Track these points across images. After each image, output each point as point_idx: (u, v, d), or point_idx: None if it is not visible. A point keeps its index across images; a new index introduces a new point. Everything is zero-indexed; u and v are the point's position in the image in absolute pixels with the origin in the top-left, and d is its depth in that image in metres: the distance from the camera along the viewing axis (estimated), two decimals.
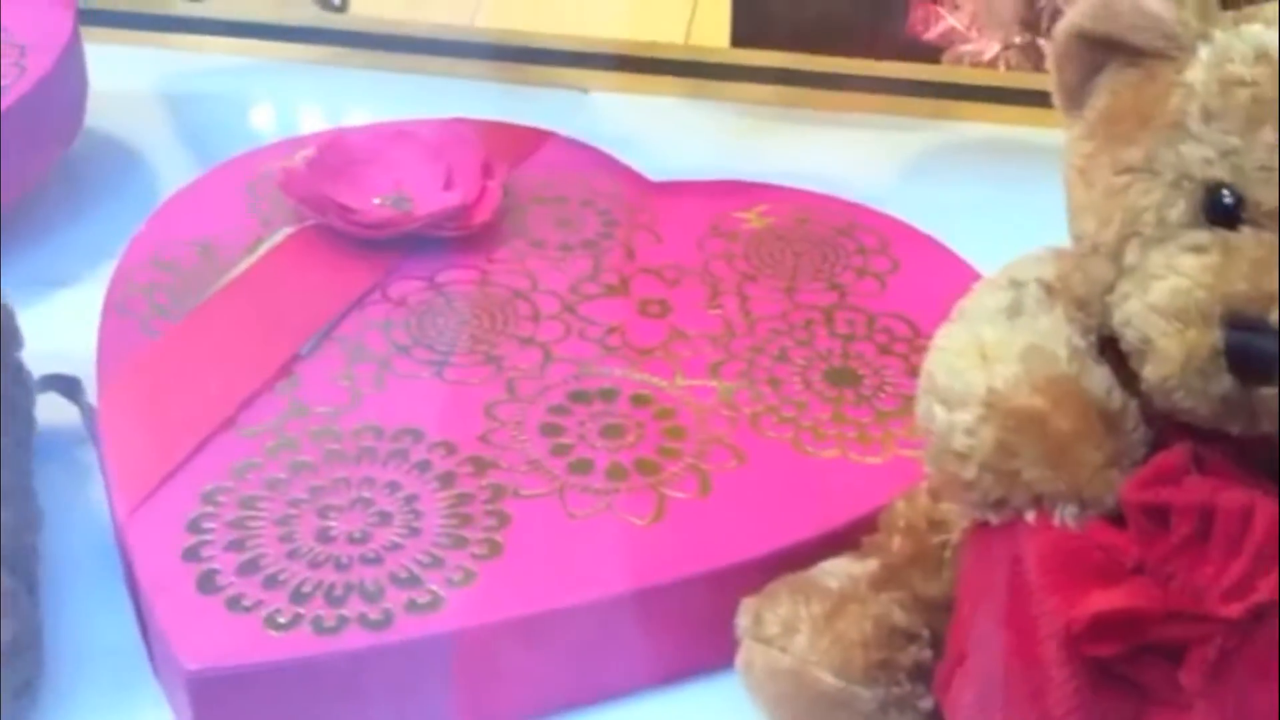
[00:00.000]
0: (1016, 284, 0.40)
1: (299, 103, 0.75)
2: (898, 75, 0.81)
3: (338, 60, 0.79)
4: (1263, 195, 0.35)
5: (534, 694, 0.44)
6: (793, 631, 0.40)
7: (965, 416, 0.37)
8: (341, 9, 2.02)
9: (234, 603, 0.42)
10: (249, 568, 0.43)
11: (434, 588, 0.42)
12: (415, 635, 0.41)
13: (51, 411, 0.52)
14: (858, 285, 0.54)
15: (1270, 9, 0.37)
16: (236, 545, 0.43)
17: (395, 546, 0.44)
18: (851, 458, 0.47)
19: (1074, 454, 0.36)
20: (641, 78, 0.80)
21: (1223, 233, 0.35)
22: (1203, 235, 0.36)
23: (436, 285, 0.54)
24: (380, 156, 0.58)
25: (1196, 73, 0.36)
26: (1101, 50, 0.38)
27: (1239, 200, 0.35)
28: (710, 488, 0.46)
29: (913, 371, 0.51)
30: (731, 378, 0.50)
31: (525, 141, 0.61)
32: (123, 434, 0.47)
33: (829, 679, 0.40)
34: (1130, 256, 0.37)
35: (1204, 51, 0.36)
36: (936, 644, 0.41)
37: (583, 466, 0.47)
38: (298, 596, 0.42)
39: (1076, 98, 0.39)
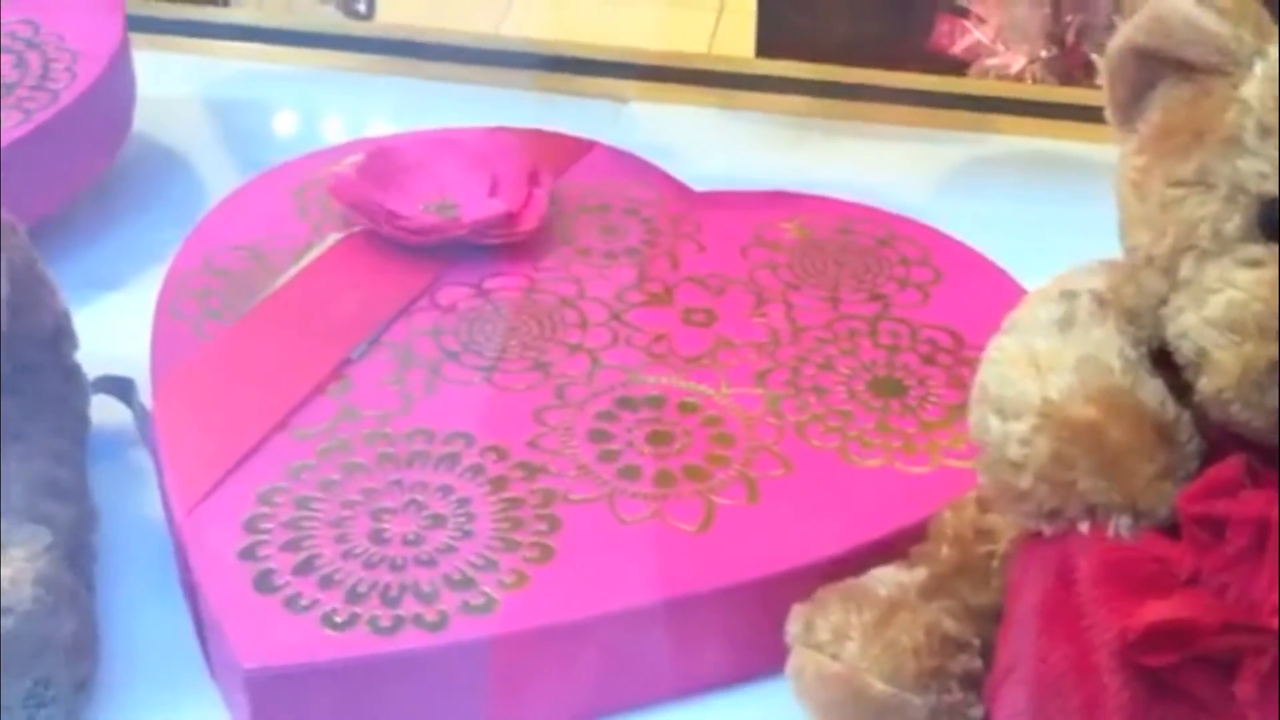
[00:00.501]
0: (1068, 296, 0.40)
1: (341, 110, 0.76)
2: (931, 88, 0.82)
3: (379, 68, 0.80)
4: None
5: (583, 697, 0.44)
6: (844, 638, 0.41)
7: (1020, 427, 0.37)
8: (368, 16, 2.03)
9: (291, 602, 0.42)
10: (305, 567, 0.43)
11: (488, 590, 0.43)
12: (470, 636, 0.42)
13: (103, 412, 0.53)
14: (900, 296, 0.55)
15: None
16: (293, 545, 0.44)
17: (449, 549, 0.44)
18: (897, 467, 0.48)
19: (1128, 465, 0.37)
20: (674, 88, 0.81)
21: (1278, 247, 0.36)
22: (1258, 249, 0.36)
23: (484, 292, 0.54)
24: (427, 164, 0.59)
25: (1252, 88, 0.37)
26: (1155, 65, 0.39)
27: None
28: (758, 495, 0.47)
29: (957, 382, 0.52)
30: (777, 386, 0.51)
31: (569, 150, 0.62)
32: (178, 435, 0.47)
33: (880, 685, 0.40)
34: (1185, 270, 0.37)
35: (1260, 67, 0.37)
36: (985, 653, 0.42)
37: (631, 472, 0.47)
38: (354, 596, 0.42)
39: (1129, 112, 0.40)
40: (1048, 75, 1.22)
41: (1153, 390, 0.38)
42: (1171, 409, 0.38)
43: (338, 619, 0.42)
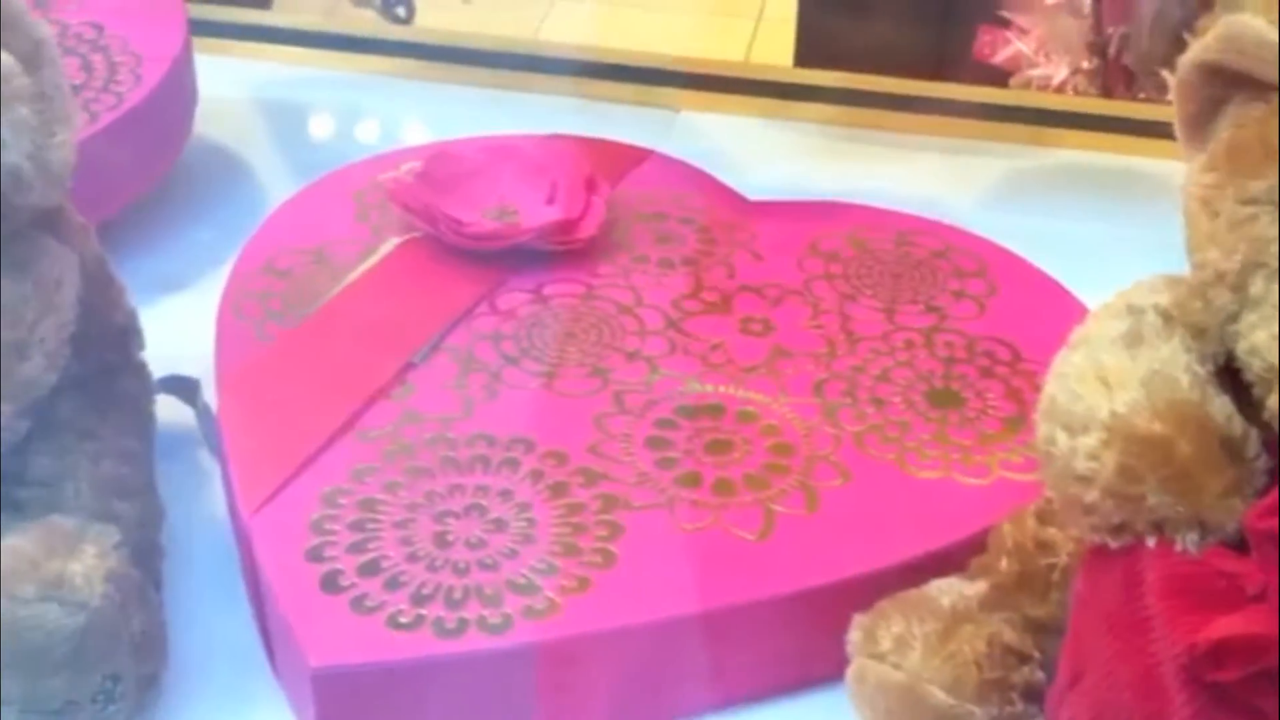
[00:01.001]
0: (1135, 311, 0.40)
1: (393, 115, 0.76)
2: (981, 99, 0.82)
3: (429, 74, 0.81)
4: None
5: (642, 702, 0.44)
6: (906, 648, 0.41)
7: (1088, 441, 0.38)
8: (407, 20, 2.04)
9: (357, 603, 0.43)
10: (370, 569, 0.44)
11: (550, 594, 0.43)
12: (533, 640, 0.42)
13: (164, 411, 0.54)
14: (956, 308, 0.55)
15: None
16: (358, 547, 0.44)
17: (511, 553, 0.45)
18: (956, 479, 0.48)
19: (1196, 480, 0.37)
20: (723, 97, 0.82)
21: None
22: None
23: (543, 298, 0.55)
24: (486, 170, 0.59)
25: None
26: (1225, 83, 0.39)
27: None
28: (817, 505, 0.47)
29: (1014, 395, 0.52)
30: (834, 396, 0.51)
31: (625, 158, 0.62)
32: (243, 435, 0.48)
33: (942, 696, 0.40)
34: (1256, 287, 0.37)
35: None
36: (1046, 665, 0.42)
37: (691, 480, 0.47)
38: (418, 598, 0.43)
39: (1198, 129, 0.40)
40: (1090, 87, 1.22)
41: (1220, 406, 0.38)
42: (1239, 425, 0.38)
43: (403, 620, 0.42)
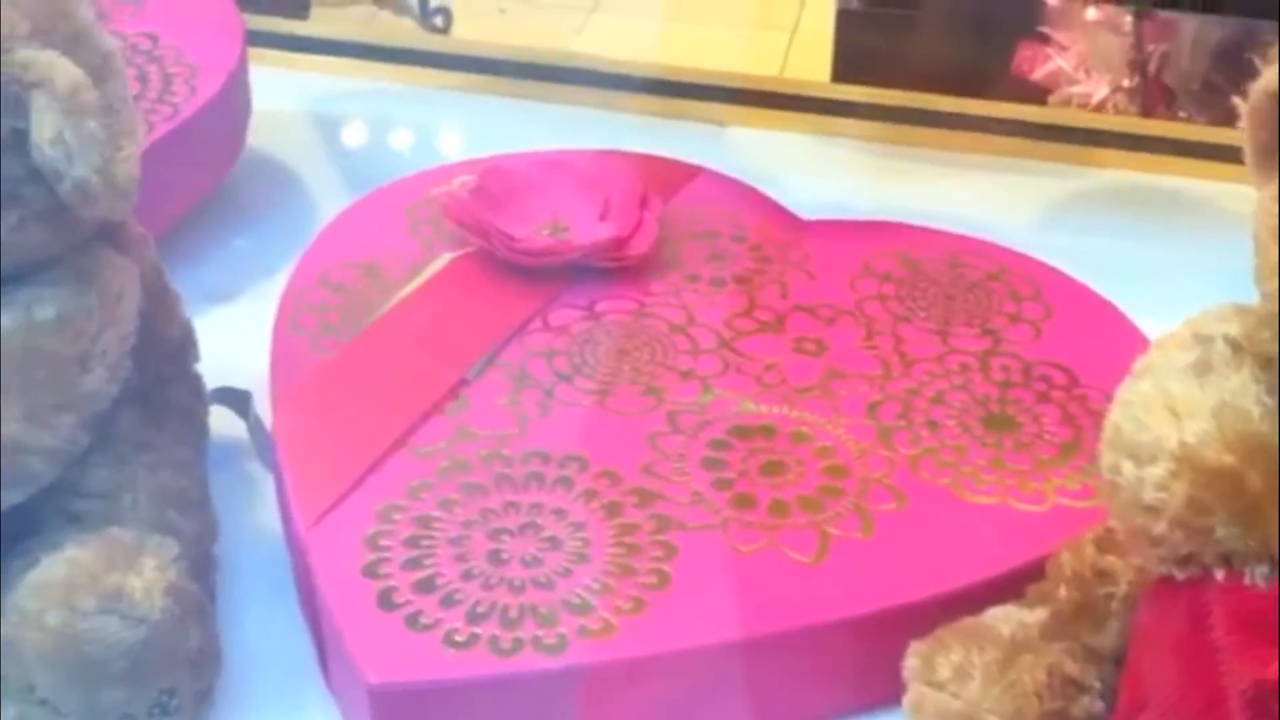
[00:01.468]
0: (1202, 340, 0.40)
1: (441, 128, 0.76)
2: (1030, 118, 0.81)
3: (471, 86, 0.81)
4: None
5: None
6: (965, 678, 0.41)
7: (1156, 471, 0.37)
8: (445, 30, 2.04)
9: (413, 620, 0.43)
10: (426, 586, 0.44)
11: (606, 615, 0.43)
12: (589, 661, 0.42)
13: (215, 422, 0.54)
14: (1011, 331, 0.55)
15: None
16: (414, 563, 0.44)
17: (566, 572, 0.44)
18: (1012, 505, 0.48)
19: (1267, 513, 0.36)
20: (768, 112, 0.81)
21: None
22: None
23: (595, 315, 0.55)
24: (538, 185, 0.59)
25: None
26: None
27: None
28: (872, 529, 0.47)
29: (1070, 420, 0.52)
30: (889, 419, 0.51)
31: (676, 175, 0.62)
32: (299, 450, 0.48)
33: None
34: None
35: None
36: (1106, 695, 0.41)
37: (745, 501, 0.47)
38: (474, 616, 0.43)
39: (1269, 157, 0.39)
40: (1130, 105, 1.21)
41: None
42: None
43: (459, 638, 0.42)
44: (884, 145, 0.76)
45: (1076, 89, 1.27)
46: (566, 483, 0.47)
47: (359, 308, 0.54)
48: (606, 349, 0.53)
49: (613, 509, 0.47)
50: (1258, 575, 0.37)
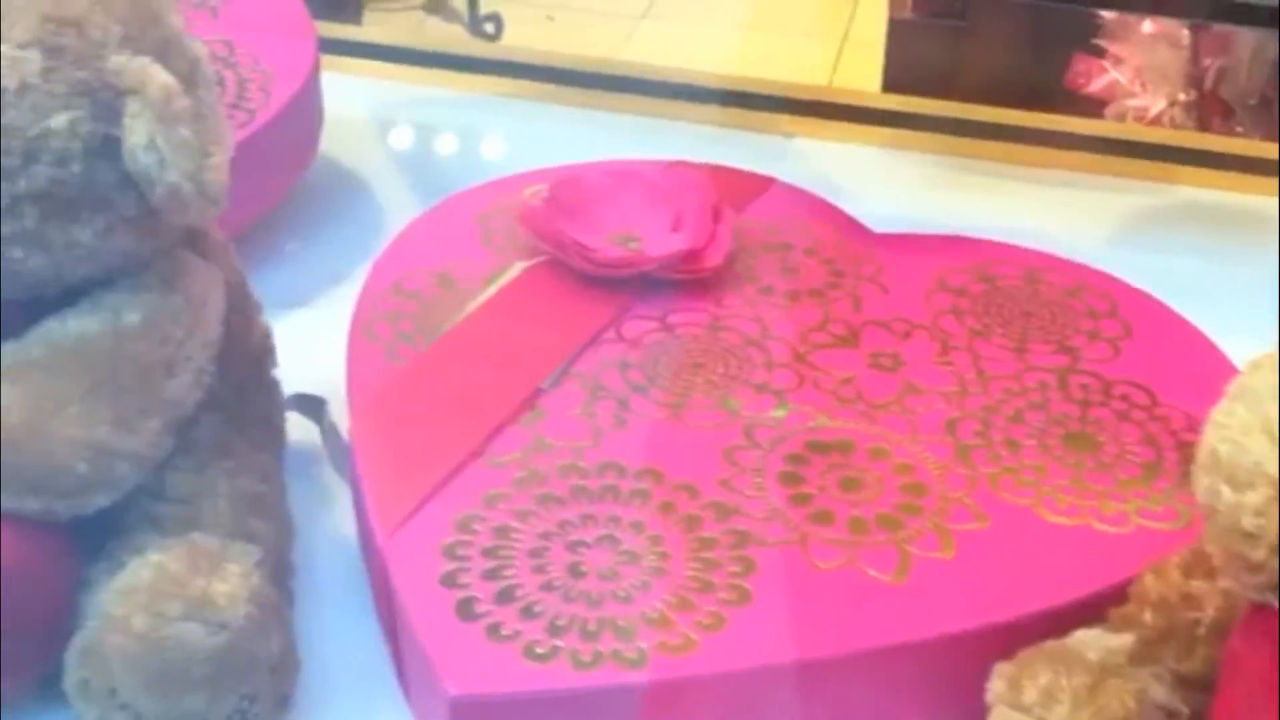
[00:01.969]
0: None
1: (505, 136, 0.77)
2: (1096, 133, 0.81)
3: (527, 93, 0.81)
4: None
5: None
6: (1053, 701, 0.40)
7: (1255, 498, 0.37)
8: (495, 36, 2.05)
9: (493, 631, 0.42)
10: (505, 596, 0.44)
11: (686, 630, 0.43)
12: (669, 676, 0.42)
13: (288, 428, 0.54)
14: (1090, 349, 0.54)
15: None
16: (492, 574, 0.44)
17: (645, 586, 0.44)
18: (1094, 526, 0.47)
19: None
20: (833, 123, 0.81)
21: None
22: None
23: (668, 327, 0.55)
24: (611, 196, 0.59)
25: None
26: None
27: None
28: (954, 548, 0.46)
29: (1151, 441, 0.51)
30: (967, 436, 0.50)
31: (748, 186, 0.62)
32: (377, 458, 0.48)
33: None
34: None
35: None
36: None
37: (824, 518, 0.47)
38: (554, 629, 0.43)
39: None
40: (1186, 119, 1.20)
41: None
42: None
43: (539, 650, 0.42)
44: (950, 158, 0.75)
45: (1133, 102, 1.25)
46: (643, 496, 0.47)
47: (433, 316, 0.54)
48: (680, 361, 0.53)
49: (690, 523, 0.46)
50: None
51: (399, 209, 0.69)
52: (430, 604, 0.43)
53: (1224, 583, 0.41)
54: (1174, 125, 1.23)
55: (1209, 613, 0.42)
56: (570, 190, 0.59)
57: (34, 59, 0.40)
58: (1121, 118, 1.26)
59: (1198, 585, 0.43)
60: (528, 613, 0.43)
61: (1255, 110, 1.19)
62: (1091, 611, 0.45)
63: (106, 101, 0.41)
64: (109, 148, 0.41)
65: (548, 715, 0.42)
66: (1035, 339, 0.54)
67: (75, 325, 0.41)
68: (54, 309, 0.42)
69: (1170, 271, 0.62)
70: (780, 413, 0.51)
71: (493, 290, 0.55)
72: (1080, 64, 1.25)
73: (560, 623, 0.43)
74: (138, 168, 0.40)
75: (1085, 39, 1.21)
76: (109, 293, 0.42)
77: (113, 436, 0.41)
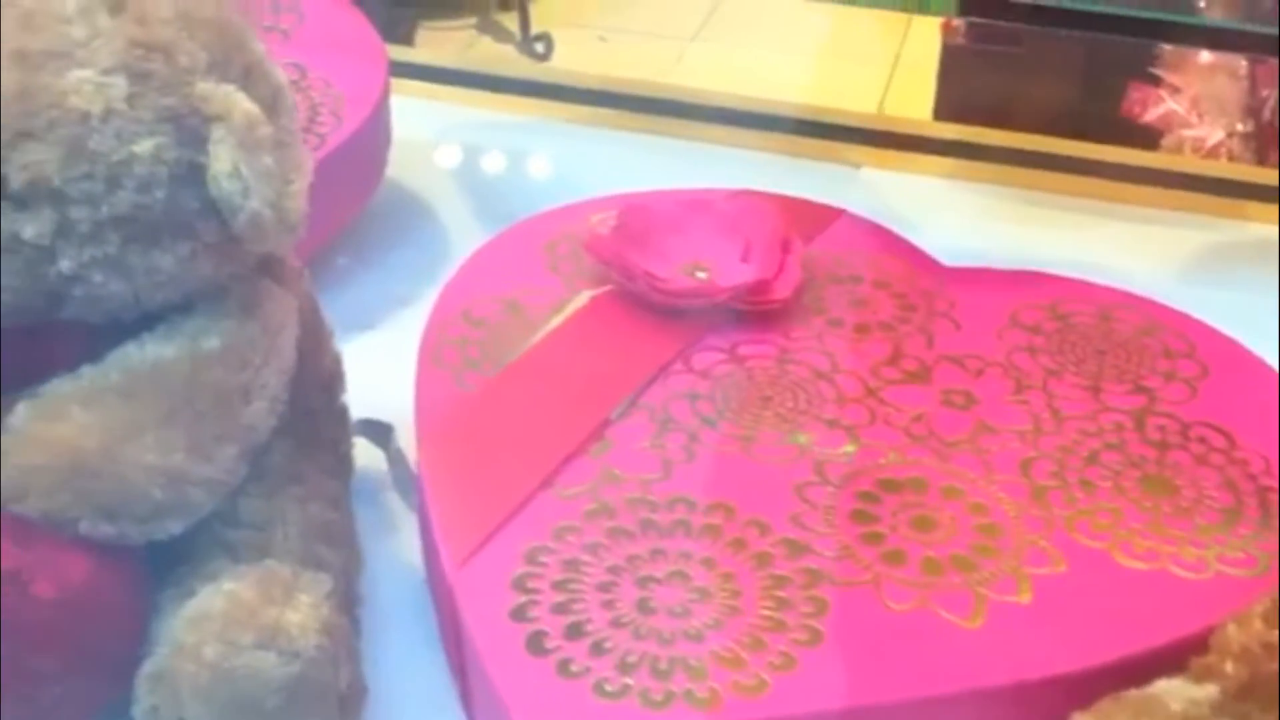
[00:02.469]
0: None
1: (569, 161, 0.76)
2: (1166, 167, 0.80)
3: (583, 118, 0.81)
4: None
5: None
6: None
7: None
8: (545, 57, 2.05)
9: (563, 667, 0.42)
10: (575, 632, 0.43)
11: (759, 670, 0.42)
12: (742, 718, 0.41)
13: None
14: (1166, 390, 0.53)
15: None
16: (562, 608, 0.44)
17: (716, 625, 0.44)
18: (1172, 572, 0.46)
19: None
20: (899, 154, 0.80)
21: None
22: None
23: (737, 358, 0.54)
24: (679, 225, 0.59)
25: None
26: None
27: None
28: (1030, 592, 0.45)
29: (1230, 485, 0.50)
30: (1042, 477, 0.49)
31: (817, 217, 0.61)
32: (445, 487, 0.48)
33: None
34: None
35: None
36: None
37: (896, 557, 0.46)
38: (624, 666, 0.42)
39: None
40: (1244, 150, 1.18)
41: None
42: None
43: (609, 688, 0.41)
44: (1022, 191, 0.75)
45: (1190, 132, 1.24)
46: (714, 531, 0.47)
47: (501, 343, 0.54)
48: (750, 394, 0.52)
49: (762, 560, 0.46)
50: None
51: (461, 232, 0.69)
52: (500, 638, 0.43)
53: None
54: (1231, 157, 1.21)
55: None
56: (638, 218, 0.58)
57: (120, 84, 0.40)
58: (1178, 148, 1.24)
59: None
60: (598, 649, 0.43)
61: None
62: (1170, 660, 0.44)
63: (191, 128, 0.41)
64: (192, 174, 0.41)
65: None
66: (1110, 378, 0.54)
67: (153, 351, 0.42)
68: (131, 333, 0.42)
69: (1243, 310, 0.61)
70: (851, 449, 0.50)
71: (560, 319, 0.55)
72: (1136, 92, 1.24)
73: (631, 660, 0.42)
74: (221, 194, 0.40)
75: (1141, 67, 1.20)
76: (187, 319, 0.42)
77: (188, 463, 0.41)
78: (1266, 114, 1.16)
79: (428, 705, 0.46)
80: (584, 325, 0.55)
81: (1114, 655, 0.44)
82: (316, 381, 0.48)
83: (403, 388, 0.54)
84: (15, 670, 0.40)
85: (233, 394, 0.42)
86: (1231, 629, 0.43)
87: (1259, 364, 0.55)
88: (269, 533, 0.44)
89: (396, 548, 0.51)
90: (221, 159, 0.40)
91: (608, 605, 0.44)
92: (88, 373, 0.41)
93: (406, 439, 0.54)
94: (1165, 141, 1.20)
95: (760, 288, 0.56)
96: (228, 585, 0.41)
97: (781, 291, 0.56)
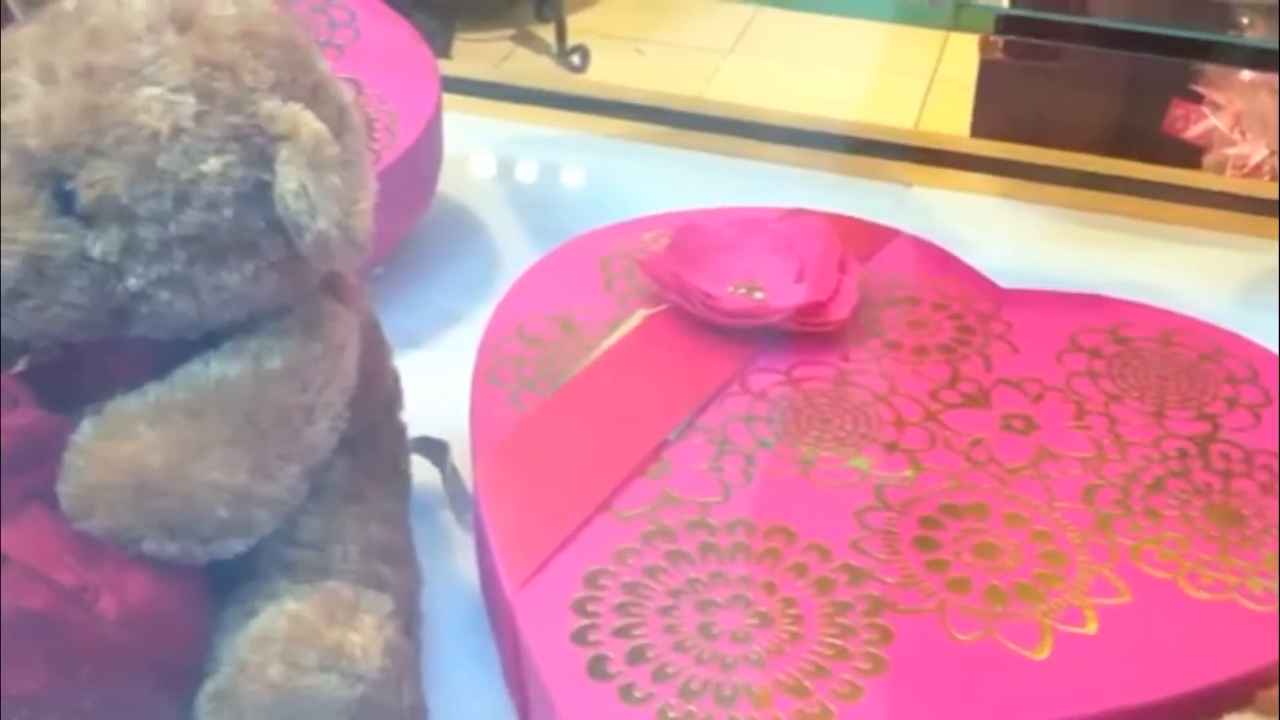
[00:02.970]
0: None
1: (617, 177, 0.76)
2: (1222, 189, 0.79)
3: (634, 134, 0.80)
4: None
5: None
6: None
7: None
8: (582, 69, 2.05)
9: (626, 692, 0.42)
10: (637, 656, 0.43)
11: (823, 699, 0.42)
12: None
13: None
14: (1230, 417, 0.52)
15: None
16: (623, 632, 0.43)
17: (778, 651, 0.43)
18: (1241, 604, 0.45)
19: None
20: (947, 172, 0.80)
21: None
22: None
23: (793, 380, 0.54)
24: (734, 244, 0.58)
25: None
26: None
27: None
28: (1097, 623, 0.45)
29: None
30: (1106, 505, 0.49)
31: (871, 237, 0.61)
32: (503, 507, 0.47)
33: None
34: None
35: None
36: None
37: (960, 585, 0.45)
38: (687, 693, 0.42)
39: None
40: None
41: None
42: None
43: (672, 715, 0.41)
44: (1074, 211, 0.74)
45: (1232, 150, 1.22)
46: (774, 555, 0.46)
47: (556, 362, 0.54)
48: (808, 416, 0.52)
49: (823, 586, 0.45)
50: None
51: (509, 248, 0.69)
52: (562, 662, 0.42)
53: None
54: (1274, 175, 1.20)
55: None
56: (692, 237, 0.58)
57: (188, 103, 0.40)
58: (1221, 167, 1.23)
59: None
60: (660, 675, 0.42)
61: None
62: (1239, 694, 0.43)
63: (258, 147, 0.41)
64: (259, 193, 0.41)
65: None
66: (1173, 404, 0.53)
67: (218, 369, 0.41)
68: (194, 351, 0.42)
69: None
70: (911, 473, 0.50)
71: (615, 338, 0.55)
72: (1178, 109, 1.23)
73: (694, 686, 0.42)
74: (287, 214, 0.40)
75: (1183, 84, 1.19)
76: (251, 337, 0.42)
77: (253, 482, 0.41)
78: None
79: None
80: (639, 345, 0.55)
81: (1180, 689, 0.43)
82: (377, 399, 0.48)
83: (454, 404, 0.54)
84: (78, 688, 0.39)
85: (296, 413, 0.42)
86: None
87: None
88: (328, 552, 0.44)
89: (451, 565, 0.51)
90: (288, 178, 0.40)
91: (669, 630, 0.44)
92: (154, 390, 0.41)
93: (459, 456, 0.54)
94: (1207, 160, 1.19)
95: (816, 309, 0.56)
96: (291, 605, 0.41)
97: (838, 313, 0.56)
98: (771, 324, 0.55)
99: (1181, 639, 0.44)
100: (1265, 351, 0.56)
